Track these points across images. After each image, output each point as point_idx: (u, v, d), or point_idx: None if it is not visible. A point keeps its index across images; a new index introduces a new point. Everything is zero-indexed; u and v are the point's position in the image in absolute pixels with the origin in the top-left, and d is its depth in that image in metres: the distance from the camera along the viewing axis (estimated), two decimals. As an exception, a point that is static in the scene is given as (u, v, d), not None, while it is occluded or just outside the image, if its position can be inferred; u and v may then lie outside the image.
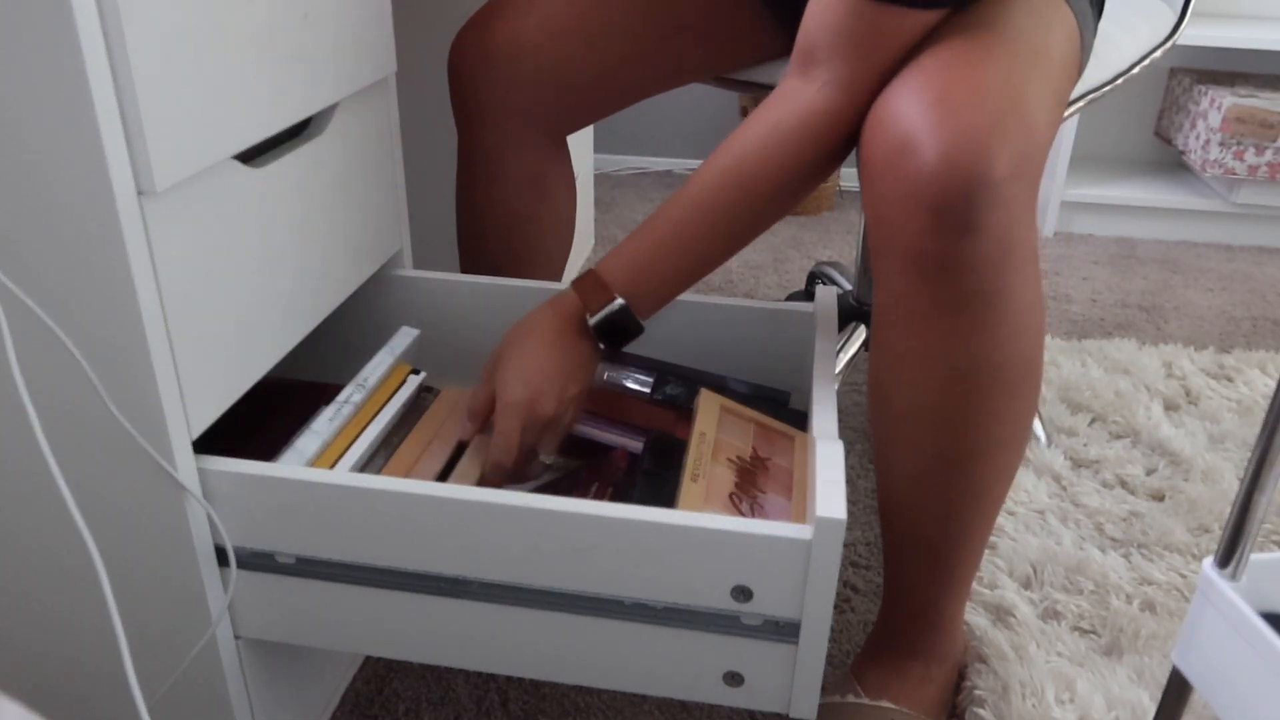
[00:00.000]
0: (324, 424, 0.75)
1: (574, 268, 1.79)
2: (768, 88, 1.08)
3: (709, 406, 0.81)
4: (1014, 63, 0.68)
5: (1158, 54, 1.08)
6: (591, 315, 0.77)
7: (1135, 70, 1.05)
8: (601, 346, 0.79)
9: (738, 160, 0.74)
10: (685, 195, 0.76)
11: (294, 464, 0.71)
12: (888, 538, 0.82)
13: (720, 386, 0.89)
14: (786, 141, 0.73)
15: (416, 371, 0.86)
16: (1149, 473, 1.23)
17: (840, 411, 1.39)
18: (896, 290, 0.70)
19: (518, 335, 0.79)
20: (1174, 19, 1.11)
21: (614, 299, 0.77)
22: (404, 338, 0.87)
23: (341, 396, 0.78)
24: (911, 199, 0.65)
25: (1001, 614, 0.99)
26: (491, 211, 1.02)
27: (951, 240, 0.65)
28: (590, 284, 0.78)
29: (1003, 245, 0.66)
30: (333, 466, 0.73)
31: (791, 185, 0.75)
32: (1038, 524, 1.13)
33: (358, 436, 0.77)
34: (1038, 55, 0.70)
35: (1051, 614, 1.00)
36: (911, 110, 0.65)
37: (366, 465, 0.77)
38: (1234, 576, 0.61)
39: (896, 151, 0.65)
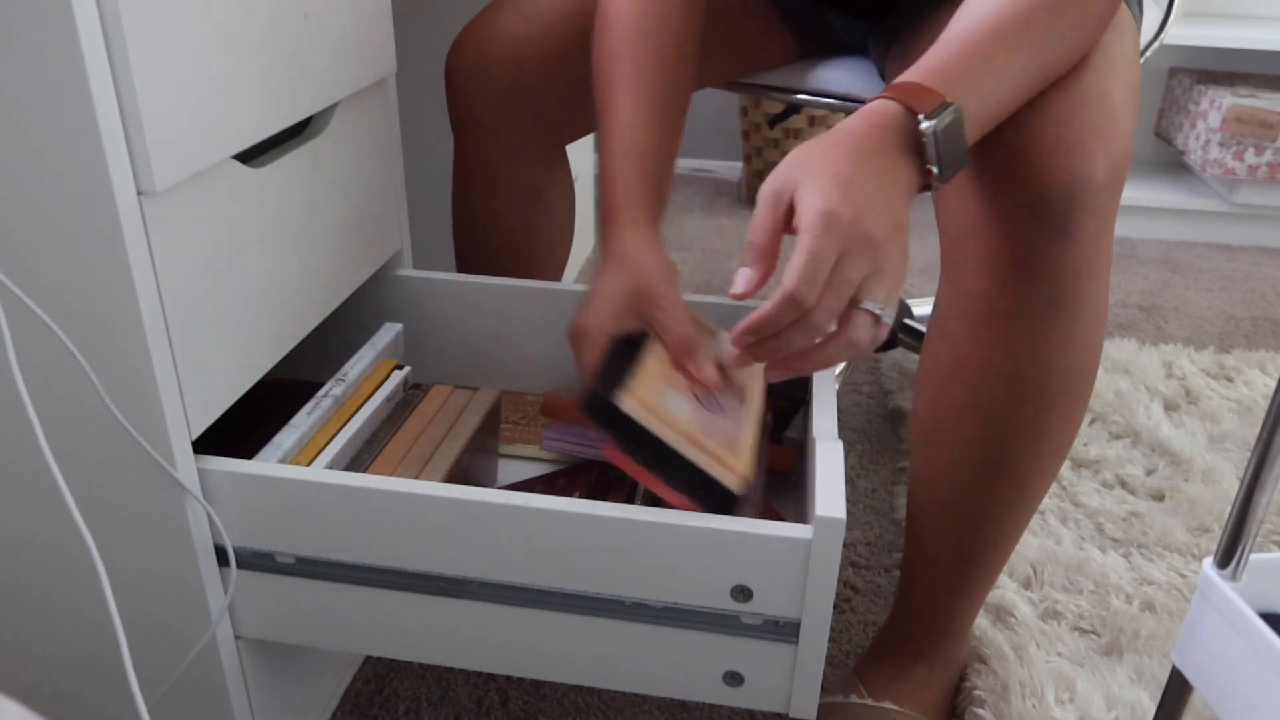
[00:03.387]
0: (303, 419, 0.75)
1: (574, 268, 1.79)
2: (777, 90, 1.08)
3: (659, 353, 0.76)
4: (1101, 66, 0.68)
5: (1149, 53, 1.09)
6: (927, 118, 0.58)
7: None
8: (934, 170, 0.60)
9: None
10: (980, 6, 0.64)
11: (271, 459, 0.71)
12: (913, 539, 0.81)
13: None
14: None
15: (401, 367, 0.86)
16: (1149, 473, 1.23)
17: (840, 411, 1.39)
18: (973, 290, 0.69)
19: (819, 145, 0.60)
20: (1161, 17, 1.12)
21: (947, 103, 0.59)
22: (386, 333, 0.87)
23: (321, 391, 0.78)
24: (1008, 201, 0.64)
25: (1001, 614, 0.99)
26: (488, 222, 1.01)
27: (1045, 244, 0.65)
28: (912, 92, 0.60)
29: (1089, 252, 0.66)
30: (310, 462, 0.73)
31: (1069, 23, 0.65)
32: (1038, 524, 1.13)
33: (338, 432, 0.77)
34: (1118, 59, 0.70)
35: (1051, 614, 1.00)
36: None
37: (351, 462, 0.77)
38: (1234, 576, 0.61)
39: (991, 152, 0.65)
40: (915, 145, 0.59)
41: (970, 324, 0.70)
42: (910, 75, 0.61)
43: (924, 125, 0.59)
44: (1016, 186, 0.64)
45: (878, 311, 0.57)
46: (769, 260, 0.59)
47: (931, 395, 0.75)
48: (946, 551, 0.79)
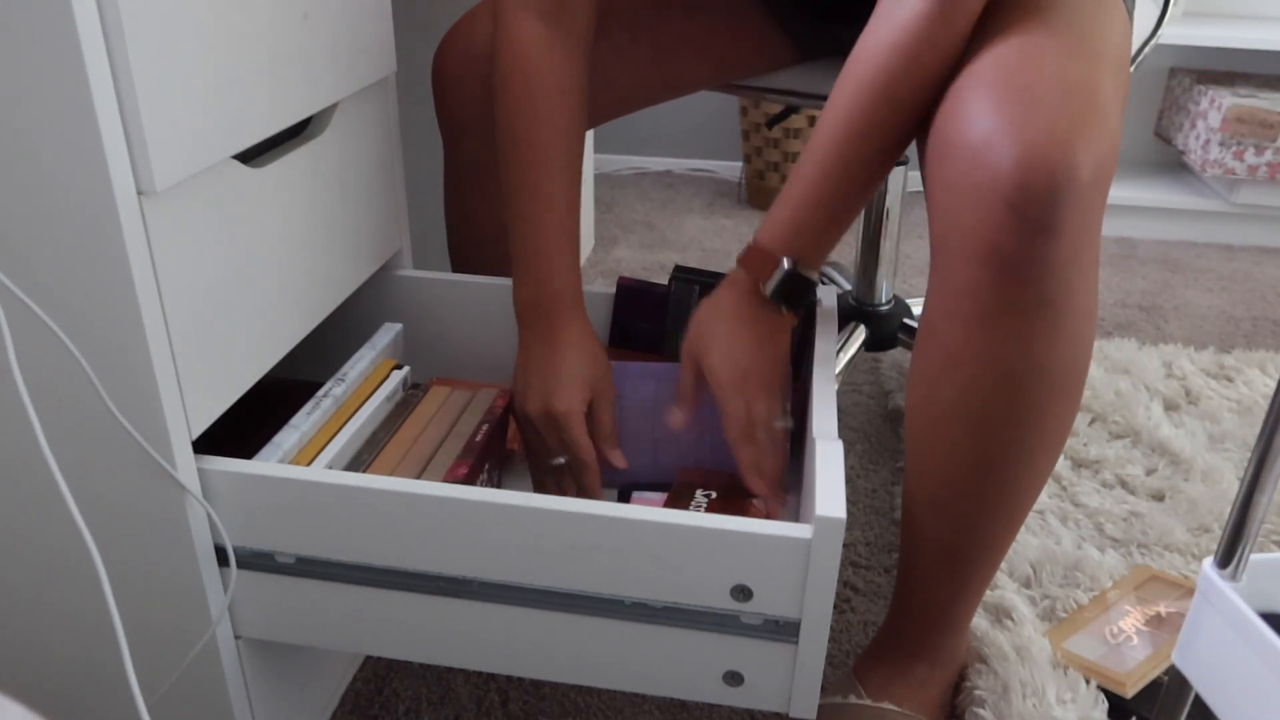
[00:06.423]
0: (302, 419, 0.75)
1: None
2: (775, 92, 1.08)
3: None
4: (1091, 61, 0.67)
5: (1146, 51, 1.09)
6: (765, 285, 0.78)
7: (1131, 69, 1.06)
8: (784, 310, 0.80)
9: (850, 97, 0.74)
10: (815, 146, 0.76)
11: (271, 459, 0.71)
12: (908, 537, 0.81)
13: None
14: (884, 68, 0.72)
15: (400, 367, 0.86)
16: (1149, 473, 1.23)
17: (840, 411, 1.39)
18: (961, 287, 0.68)
19: (708, 320, 0.81)
20: (1157, 16, 1.12)
21: (781, 264, 0.78)
22: (386, 333, 0.87)
23: (321, 391, 0.78)
24: (991, 194, 0.64)
25: (1001, 614, 0.99)
26: (478, 222, 1.01)
27: (1029, 239, 0.64)
28: (756, 258, 0.79)
29: (1076, 248, 0.65)
30: (310, 462, 0.73)
31: (902, 104, 0.73)
32: (1038, 524, 1.13)
33: (338, 432, 0.77)
34: (1106, 51, 0.70)
35: (1051, 614, 1.00)
36: (992, 104, 0.65)
37: (351, 462, 0.77)
38: (1234, 576, 0.61)
39: (978, 145, 0.64)
40: (768, 300, 0.79)
41: (959, 322, 0.70)
42: (760, 234, 0.78)
43: (766, 292, 0.79)
44: (1000, 180, 0.63)
45: (783, 426, 0.82)
46: (692, 404, 0.84)
47: (923, 393, 0.75)
48: (941, 549, 0.79)
